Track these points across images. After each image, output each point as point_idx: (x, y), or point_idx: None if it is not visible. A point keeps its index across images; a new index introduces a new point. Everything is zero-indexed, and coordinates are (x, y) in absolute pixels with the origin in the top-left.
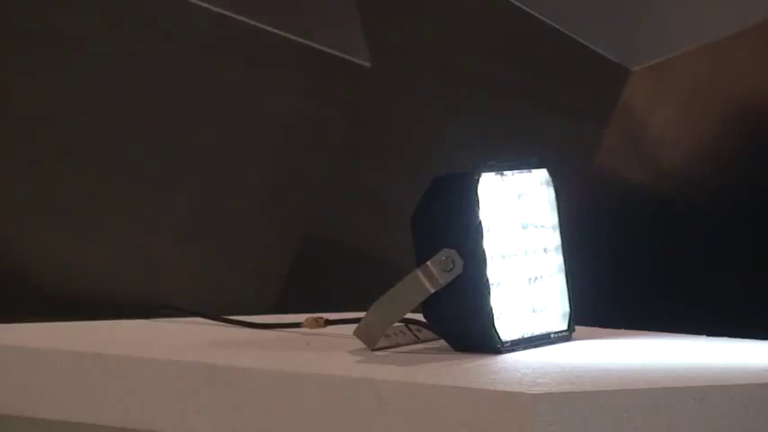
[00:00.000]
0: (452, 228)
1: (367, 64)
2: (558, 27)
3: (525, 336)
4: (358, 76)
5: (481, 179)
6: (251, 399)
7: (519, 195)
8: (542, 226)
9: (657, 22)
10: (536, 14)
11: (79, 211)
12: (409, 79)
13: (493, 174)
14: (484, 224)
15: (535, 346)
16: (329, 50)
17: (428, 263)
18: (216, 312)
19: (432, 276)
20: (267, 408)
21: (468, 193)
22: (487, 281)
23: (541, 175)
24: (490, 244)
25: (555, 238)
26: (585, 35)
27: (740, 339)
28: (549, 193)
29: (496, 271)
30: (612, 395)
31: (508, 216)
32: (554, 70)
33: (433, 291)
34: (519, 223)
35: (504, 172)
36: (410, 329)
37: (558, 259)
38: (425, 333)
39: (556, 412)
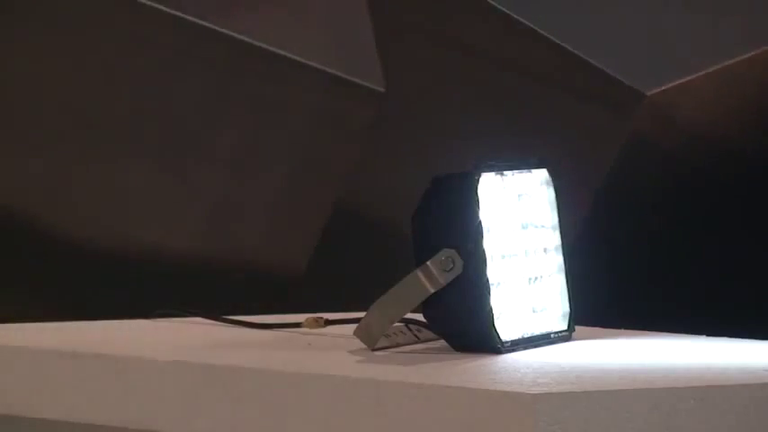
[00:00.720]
0: (452, 228)
1: (381, 89)
2: (575, 51)
3: (525, 336)
4: (373, 101)
5: (481, 179)
6: (251, 399)
7: (519, 195)
8: (542, 226)
9: (671, 46)
10: (553, 38)
11: (94, 205)
12: (425, 104)
13: (493, 174)
14: (484, 224)
15: (535, 346)
16: (344, 75)
17: (428, 263)
18: (229, 309)
19: (432, 276)
20: (267, 408)
21: (468, 193)
22: (487, 281)
23: (541, 175)
24: (490, 244)
25: (555, 238)
26: (600, 59)
27: (740, 339)
28: (549, 193)
29: (496, 271)
30: (612, 395)
31: (508, 216)
32: (571, 94)
33: (432, 291)
34: (519, 223)
35: (504, 172)
36: (410, 329)
37: (558, 259)
38: (425, 333)
39: (556, 412)
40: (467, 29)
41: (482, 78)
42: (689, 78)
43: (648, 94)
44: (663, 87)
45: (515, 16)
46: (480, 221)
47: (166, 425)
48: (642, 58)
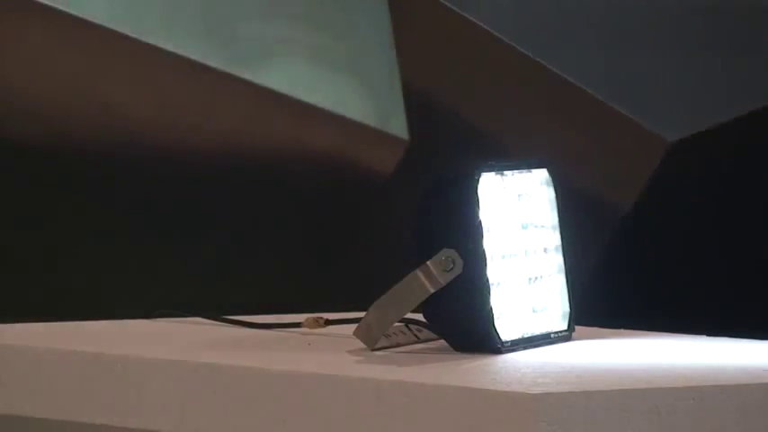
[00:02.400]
0: (452, 228)
1: (405, 137)
2: (599, 97)
3: (525, 336)
4: (396, 149)
5: (481, 179)
6: (251, 399)
7: (519, 195)
8: (542, 226)
9: (694, 93)
10: (578, 84)
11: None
12: (448, 152)
13: (493, 174)
14: (484, 224)
15: (535, 346)
16: (367, 123)
17: (428, 263)
18: (229, 309)
19: (432, 276)
20: (267, 408)
21: (468, 193)
22: (487, 281)
23: (541, 175)
24: (490, 244)
25: (555, 238)
26: (625, 105)
27: (740, 339)
28: (549, 193)
29: (496, 271)
30: (612, 395)
31: (508, 216)
32: (594, 139)
33: (433, 291)
34: (519, 223)
35: (504, 172)
36: (410, 329)
37: (558, 259)
38: (425, 333)
39: (556, 412)
40: (493, 77)
41: (507, 126)
42: (712, 125)
43: (671, 140)
44: (685, 135)
45: (542, 62)
46: (480, 221)
47: (166, 425)
48: (666, 106)
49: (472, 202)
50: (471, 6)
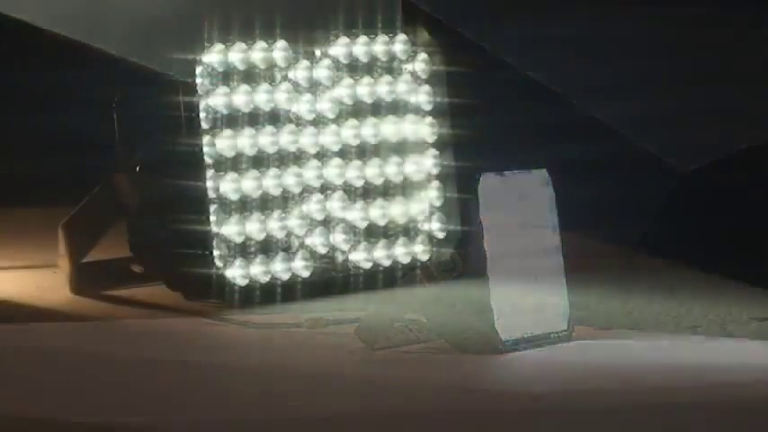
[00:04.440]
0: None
1: None
2: (615, 127)
3: (525, 336)
4: None
5: (481, 179)
6: (251, 398)
7: (519, 195)
8: (542, 226)
9: (710, 123)
10: (597, 117)
11: None
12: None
13: (493, 174)
14: (484, 224)
15: (535, 346)
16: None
17: (428, 263)
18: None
19: (432, 276)
20: (267, 407)
21: (467, 193)
22: (488, 281)
23: (541, 175)
24: (490, 244)
25: (555, 239)
26: (643, 137)
27: (740, 339)
28: (549, 193)
29: (496, 271)
30: (612, 395)
31: (508, 216)
32: (610, 167)
33: (432, 291)
34: (519, 223)
35: (504, 172)
36: (410, 329)
37: (558, 259)
38: (425, 333)
39: (556, 412)
40: (508, 106)
41: (520, 155)
42: (727, 154)
43: (684, 170)
44: (701, 164)
45: (557, 90)
46: (480, 221)
47: (165, 424)
48: (681, 136)
49: (472, 202)
50: (491, 39)
